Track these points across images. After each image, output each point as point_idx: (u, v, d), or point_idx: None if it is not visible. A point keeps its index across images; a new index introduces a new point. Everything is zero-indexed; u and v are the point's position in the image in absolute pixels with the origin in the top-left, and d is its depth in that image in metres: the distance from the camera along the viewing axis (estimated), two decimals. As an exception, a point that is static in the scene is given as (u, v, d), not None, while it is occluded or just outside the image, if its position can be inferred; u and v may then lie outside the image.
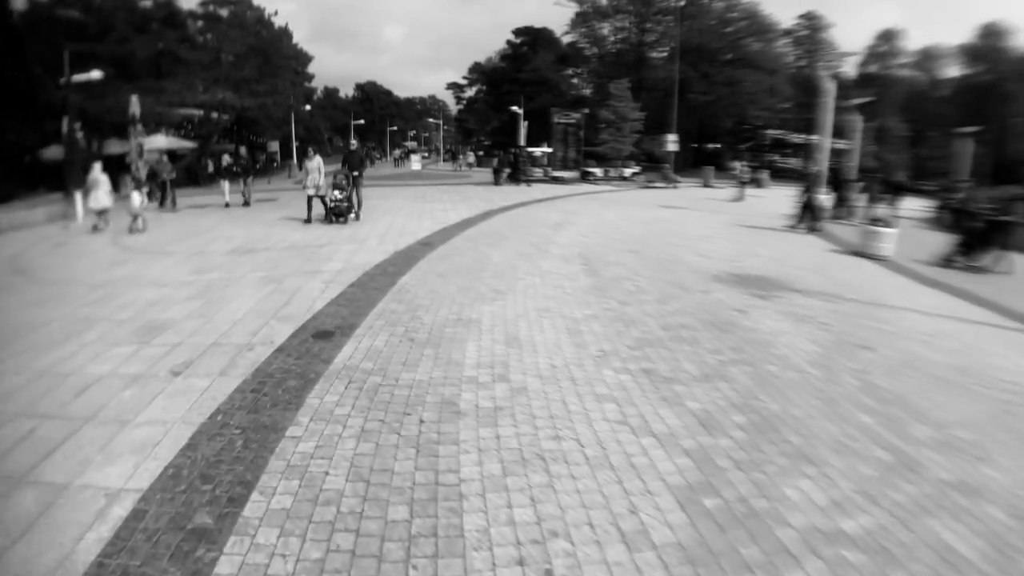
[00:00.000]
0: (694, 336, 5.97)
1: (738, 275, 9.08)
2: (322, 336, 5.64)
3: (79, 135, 17.04)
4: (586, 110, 34.16)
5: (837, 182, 19.16)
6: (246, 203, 17.57)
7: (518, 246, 10.63)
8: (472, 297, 7.03)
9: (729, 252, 11.21)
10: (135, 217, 12.93)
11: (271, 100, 36.01)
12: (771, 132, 57.38)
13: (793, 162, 54.69)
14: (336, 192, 13.40)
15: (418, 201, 19.45)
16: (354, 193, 14.01)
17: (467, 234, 11.99)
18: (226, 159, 18.10)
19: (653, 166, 34.78)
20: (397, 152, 68.45)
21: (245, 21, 39.14)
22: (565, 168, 30.38)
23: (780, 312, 7.08)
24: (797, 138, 58.20)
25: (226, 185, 17.58)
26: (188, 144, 34.46)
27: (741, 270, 9.52)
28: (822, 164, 21.28)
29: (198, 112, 35.50)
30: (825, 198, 18.89)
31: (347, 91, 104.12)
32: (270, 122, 40.14)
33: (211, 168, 23.87)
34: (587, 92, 59.44)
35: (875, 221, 12.19)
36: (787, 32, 55.69)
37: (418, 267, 8.67)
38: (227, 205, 17.28)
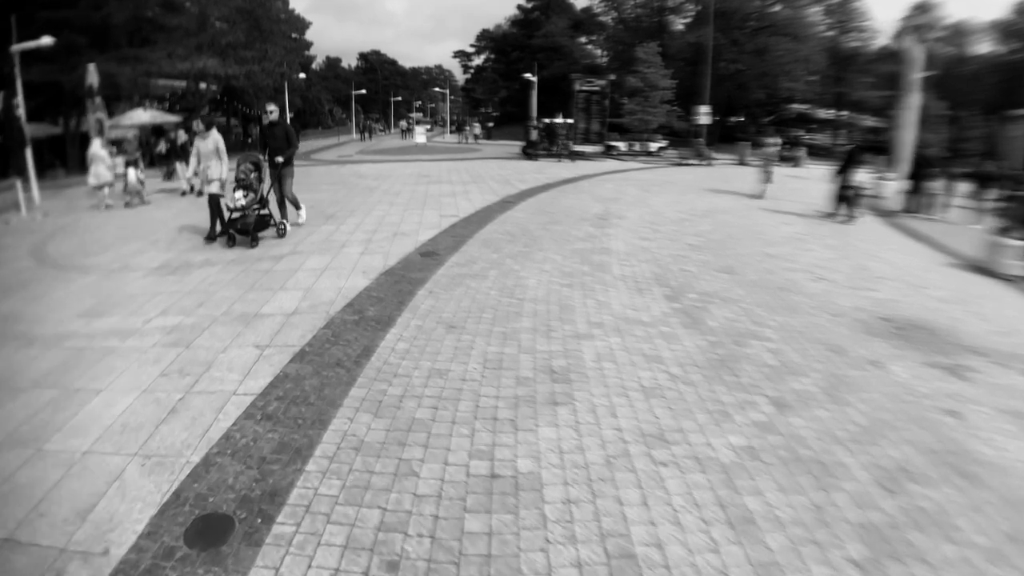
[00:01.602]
0: (941, 509, 2.88)
1: (887, 318, 5.94)
2: (198, 555, 2.55)
3: (20, 111, 13.84)
4: (612, 76, 30.45)
5: (920, 168, 15.69)
6: (200, 192, 14.23)
7: (561, 258, 7.46)
8: (511, 393, 3.89)
9: (842, 269, 8.06)
10: (134, 193, 13.01)
11: (259, 67, 32.29)
12: (796, 106, 53.29)
13: (820, 138, 50.70)
14: (239, 194, 8.09)
15: (421, 182, 16.23)
16: (278, 192, 9.18)
17: (485, 235, 8.82)
18: (181, 136, 14.75)
19: (681, 140, 31.32)
20: (403, 123, 65.12)
21: (232, -20, 35.32)
22: (588, 142, 26.92)
23: (999, 410, 4.01)
24: (825, 113, 54.14)
25: (180, 168, 14.34)
26: (172, 118, 31.17)
27: (880, 306, 6.36)
28: (906, 146, 17.91)
29: (180, 83, 32.13)
30: (894, 183, 16.06)
31: (351, 63, 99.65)
32: (260, 91, 36.61)
33: (163, 147, 20.55)
34: (602, 61, 55.30)
35: (1004, 231, 9.01)
36: (816, 0, 50.92)
37: (414, 305, 5.52)
38: (184, 193, 14.06)
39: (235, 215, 8.29)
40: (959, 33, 50.11)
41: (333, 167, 23.18)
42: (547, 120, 28.18)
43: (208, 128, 9.13)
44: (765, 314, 5.80)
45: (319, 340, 4.68)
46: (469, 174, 18.72)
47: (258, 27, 36.63)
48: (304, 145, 42.75)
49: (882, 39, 51.16)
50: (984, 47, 49.31)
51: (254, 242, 8.17)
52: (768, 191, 15.42)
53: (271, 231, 8.83)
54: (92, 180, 12.76)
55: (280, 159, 8.78)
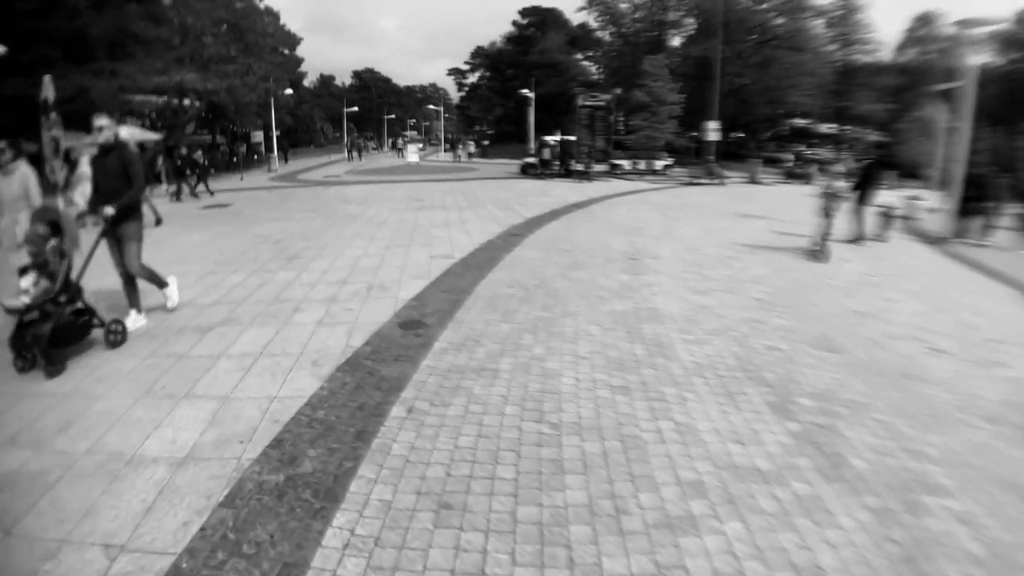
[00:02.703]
0: None
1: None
2: None
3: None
4: (618, 90, 28.68)
5: (981, 188, 13.82)
6: (158, 221, 12.26)
7: (599, 331, 5.34)
8: None
9: (945, 329, 6.10)
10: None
11: (240, 81, 30.33)
12: (797, 121, 51.77)
13: (821, 153, 48.91)
14: (25, 281, 4.53)
15: (411, 208, 14.22)
16: (120, 267, 5.47)
17: (489, 288, 6.73)
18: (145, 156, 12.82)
19: (683, 157, 29.63)
20: (400, 141, 63.69)
21: (218, -9, 33.52)
22: (592, 160, 25.06)
23: None
24: (826, 127, 52.56)
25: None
26: (153, 136, 29.21)
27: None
28: (955, 164, 16.10)
29: (157, 98, 30.21)
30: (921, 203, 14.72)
31: (345, 81, 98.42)
32: (242, 108, 34.67)
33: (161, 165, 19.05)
34: (598, 78, 53.77)
35: None
36: (819, 13, 49.38)
37: (382, 444, 3.37)
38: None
39: (13, 309, 4.52)
40: (957, 44, 48.42)
41: (317, 189, 21.21)
42: (559, 137, 26.52)
43: (15, 156, 5.63)
44: (913, 431, 3.80)
45: (209, 541, 2.55)
46: (465, 197, 16.75)
47: (242, 40, 34.81)
48: (293, 164, 40.68)
49: (886, 52, 49.92)
50: (983, 58, 47.72)
51: (53, 367, 4.37)
52: (832, 251, 9.54)
53: (109, 334, 5.00)
54: (79, 199, 11.68)
55: (110, 211, 4.99)
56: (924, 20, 49.85)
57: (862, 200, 11.27)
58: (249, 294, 6.62)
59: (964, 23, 15.11)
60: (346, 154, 46.68)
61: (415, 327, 5.20)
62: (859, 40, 49.68)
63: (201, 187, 18.88)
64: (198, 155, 20.32)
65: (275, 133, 38.61)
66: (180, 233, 11.44)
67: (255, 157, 40.47)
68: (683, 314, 5.90)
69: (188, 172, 18.20)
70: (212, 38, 32.11)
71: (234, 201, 17.18)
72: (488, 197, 16.87)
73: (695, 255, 9.05)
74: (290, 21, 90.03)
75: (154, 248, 10.04)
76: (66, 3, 26.35)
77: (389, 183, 22.74)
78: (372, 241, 9.65)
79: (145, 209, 12.01)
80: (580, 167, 24.04)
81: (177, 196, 17.49)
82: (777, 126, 51.99)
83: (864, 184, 11.40)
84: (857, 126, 50.10)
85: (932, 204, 17.73)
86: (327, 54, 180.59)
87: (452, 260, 8.05)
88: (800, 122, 52.07)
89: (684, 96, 30.72)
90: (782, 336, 5.46)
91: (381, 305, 5.94)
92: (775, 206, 17.51)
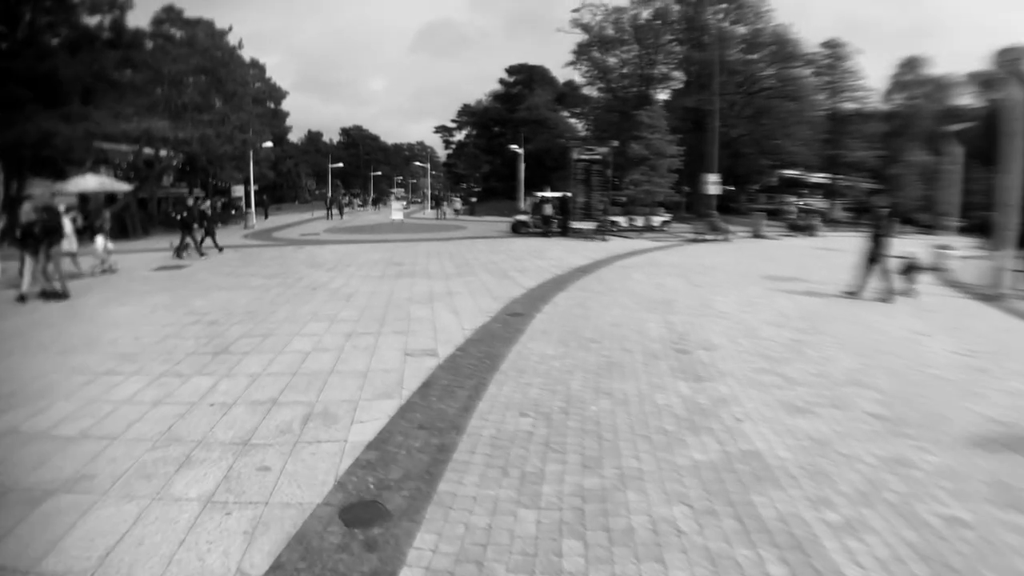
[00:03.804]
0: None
1: None
2: None
3: None
4: (615, 143, 27.27)
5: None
6: (56, 293, 9.65)
7: (691, 520, 3.08)
8: None
9: None
10: (101, 260, 12.57)
11: (213, 131, 28.52)
12: (788, 172, 51.11)
13: (813, 203, 47.77)
14: None
15: (388, 275, 12.10)
16: None
17: (489, 418, 4.46)
18: (25, 212, 10.26)
19: (678, 213, 28.13)
20: (393, 200, 62.64)
21: (196, 39, 32.13)
22: (588, 217, 23.36)
23: None
24: (817, 177, 51.89)
25: (28, 263, 9.65)
26: (124, 186, 27.19)
27: None
28: (1009, 209, 14.51)
29: (128, 146, 28.36)
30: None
31: (334, 138, 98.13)
32: (217, 159, 32.90)
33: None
34: (586, 133, 53.11)
35: None
36: (808, 62, 49.39)
37: None
38: (21, 298, 9.41)
39: None
40: (940, 87, 48.23)
41: (288, 249, 19.09)
42: (551, 192, 25.07)
43: None
44: None
45: None
46: (453, 261, 14.70)
47: (220, 89, 33.20)
48: (273, 220, 38.52)
49: (874, 98, 49.76)
50: (965, 99, 47.43)
51: None
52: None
53: None
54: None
55: None
56: (910, 65, 50.05)
57: (881, 253, 10.24)
58: (135, 420, 4.38)
59: (1006, 53, 13.76)
60: (327, 212, 44.45)
61: (368, 521, 2.94)
62: (848, 87, 49.59)
63: (208, 242, 17.21)
64: (206, 207, 18.40)
65: (253, 187, 36.75)
66: (109, 304, 9.23)
67: (233, 212, 38.50)
68: (797, 460, 3.71)
69: (196, 226, 16.35)
70: (190, 86, 30.58)
71: (194, 261, 15.12)
72: (478, 260, 14.86)
73: (754, 340, 6.95)
74: (282, 79, 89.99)
75: (67, 322, 7.85)
76: (38, 43, 24.81)
77: (369, 243, 20.75)
78: (333, 324, 7.45)
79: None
80: (586, 226, 22.36)
81: (180, 252, 15.84)
82: (768, 177, 51.27)
83: (881, 235, 10.33)
84: (848, 174, 49.62)
85: (963, 253, 15.99)
86: (317, 112, 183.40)
87: (435, 360, 5.84)
88: (790, 172, 51.45)
89: (683, 149, 29.40)
90: (951, 492, 3.35)
91: (318, 460, 3.67)
92: (796, 264, 15.81)
